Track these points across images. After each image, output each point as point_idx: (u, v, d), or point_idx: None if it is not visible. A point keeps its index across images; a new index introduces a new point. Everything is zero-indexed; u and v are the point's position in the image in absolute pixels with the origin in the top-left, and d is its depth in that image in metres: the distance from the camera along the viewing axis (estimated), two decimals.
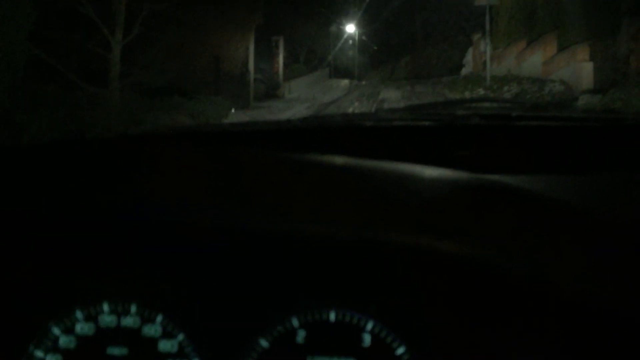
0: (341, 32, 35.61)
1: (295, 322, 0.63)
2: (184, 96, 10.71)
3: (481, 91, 16.45)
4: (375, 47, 37.24)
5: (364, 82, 31.63)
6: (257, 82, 16.54)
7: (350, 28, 36.20)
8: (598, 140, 0.98)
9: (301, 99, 19.23)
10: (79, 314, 0.65)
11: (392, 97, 18.16)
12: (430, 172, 0.76)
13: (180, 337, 0.64)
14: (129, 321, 0.65)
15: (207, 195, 0.65)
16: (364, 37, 37.87)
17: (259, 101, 15.82)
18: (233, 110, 12.54)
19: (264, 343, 0.63)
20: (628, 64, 10.09)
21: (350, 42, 36.87)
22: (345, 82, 30.04)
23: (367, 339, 0.64)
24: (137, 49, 9.76)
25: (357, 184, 0.69)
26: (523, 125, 1.04)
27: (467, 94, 16.80)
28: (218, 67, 13.35)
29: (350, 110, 14.39)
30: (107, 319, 0.65)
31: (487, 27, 17.93)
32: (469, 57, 26.62)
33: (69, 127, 7.24)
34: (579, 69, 11.93)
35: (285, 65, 21.71)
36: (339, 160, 0.78)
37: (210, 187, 0.67)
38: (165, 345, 0.64)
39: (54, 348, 0.64)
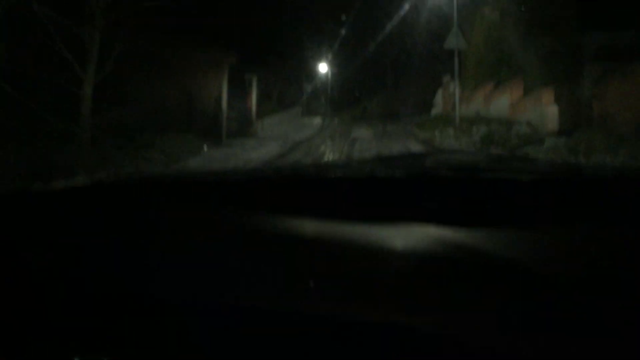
0: (314, 71, 36.11)
1: None
2: (156, 133, 10.65)
3: (451, 131, 16.75)
4: (340, 97, 37.76)
5: (336, 121, 31.93)
6: (230, 120, 16.56)
7: (323, 67, 36.75)
8: (560, 194, 1.01)
9: (274, 136, 19.30)
10: None
11: (364, 135, 18.40)
12: (399, 239, 0.80)
13: None
14: None
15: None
16: (335, 76, 38.43)
17: (231, 138, 15.82)
18: (205, 148, 12.51)
19: None
20: (591, 107, 10.45)
21: (323, 81, 37.32)
22: (317, 120, 30.30)
23: None
24: (109, 86, 9.71)
25: (326, 258, 0.71)
26: (489, 177, 1.08)
27: (437, 134, 17.09)
28: (191, 104, 13.37)
29: (322, 148, 14.49)
30: None
31: (456, 69, 18.40)
32: (439, 97, 27.21)
33: (35, 164, 7.11)
34: (544, 111, 12.29)
35: (258, 103, 21.83)
36: (310, 228, 0.83)
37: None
38: None
39: None
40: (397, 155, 2.46)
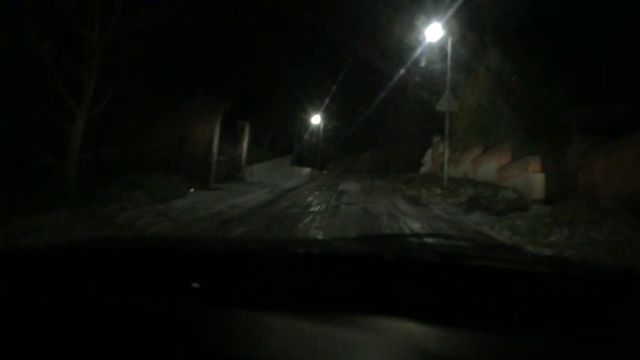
0: (306, 121, 36.55)
1: None
2: (144, 173, 10.62)
3: (438, 191, 16.89)
4: (331, 150, 38.22)
5: (325, 172, 32.15)
6: (219, 164, 16.60)
7: (316, 119, 37.23)
8: (545, 290, 1.02)
9: (262, 183, 19.33)
10: None
11: (352, 189, 18.46)
12: (380, 341, 0.79)
13: None
14: None
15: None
16: (327, 129, 38.88)
17: (220, 182, 15.82)
18: (192, 190, 12.46)
19: None
20: (577, 178, 10.61)
21: (315, 131, 37.73)
22: (306, 170, 30.47)
23: None
24: (101, 125, 9.73)
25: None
26: (475, 267, 1.07)
27: (424, 192, 17.21)
28: (181, 147, 13.43)
29: (309, 198, 14.47)
30: None
31: (447, 131, 18.73)
32: (427, 157, 27.61)
33: (17, 198, 7.02)
34: (530, 179, 12.46)
35: (249, 149, 21.97)
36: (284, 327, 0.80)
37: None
38: None
39: None
40: (383, 235, 2.46)
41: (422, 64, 20.57)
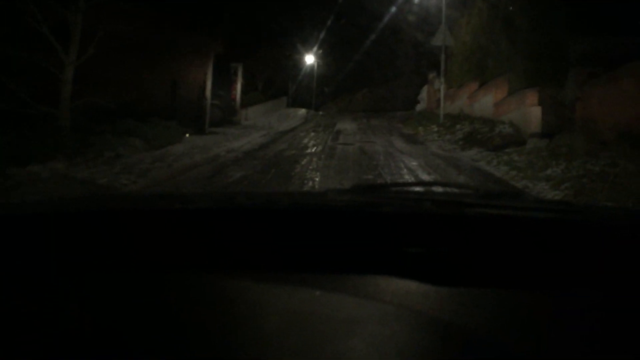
0: (300, 62, 35.97)
1: None
2: (138, 120, 10.51)
3: (435, 128, 16.85)
4: (326, 89, 37.76)
5: (320, 113, 31.89)
6: (214, 108, 16.44)
7: (310, 59, 36.63)
8: (546, 236, 0.99)
9: (257, 126, 19.22)
10: None
11: (348, 128, 18.39)
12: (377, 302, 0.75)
13: None
14: None
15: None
16: (321, 68, 38.35)
17: (215, 127, 15.71)
18: (187, 135, 12.39)
19: None
20: (574, 111, 10.53)
21: (309, 72, 37.21)
22: (302, 111, 30.22)
23: None
24: (91, 70, 9.54)
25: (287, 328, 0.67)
26: (475, 215, 1.03)
27: (420, 130, 17.17)
28: (175, 91, 13.21)
29: (305, 140, 14.43)
30: None
31: (442, 66, 18.47)
32: (423, 94, 27.32)
33: (13, 148, 6.97)
34: (527, 112, 12.36)
35: (243, 92, 21.71)
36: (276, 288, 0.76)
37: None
38: None
39: None
40: (379, 185, 2.36)
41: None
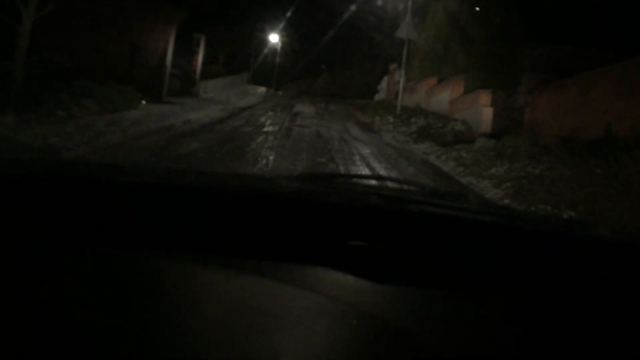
0: (264, 40, 35.67)
1: None
2: (94, 81, 10.31)
3: (391, 119, 17.12)
4: (298, 57, 37.55)
5: (280, 93, 31.84)
6: (173, 78, 16.21)
7: (274, 38, 36.36)
8: (487, 238, 1.01)
9: (216, 100, 19.06)
10: None
11: (306, 111, 18.50)
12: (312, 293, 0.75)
13: None
14: None
15: None
16: (285, 48, 38.15)
17: (173, 96, 15.51)
18: (144, 102, 12.23)
19: None
20: (523, 115, 11.00)
21: (272, 51, 36.95)
22: (262, 89, 30.07)
23: None
24: (49, 27, 9.29)
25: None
26: (418, 212, 1.06)
27: (377, 119, 17.42)
28: (134, 56, 12.98)
29: (263, 119, 14.45)
30: None
31: (404, 59, 18.74)
32: (383, 84, 27.63)
33: None
34: (480, 112, 12.78)
35: (204, 64, 21.42)
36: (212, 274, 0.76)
37: None
38: None
39: None
40: (328, 174, 2.32)
41: None
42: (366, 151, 10.04)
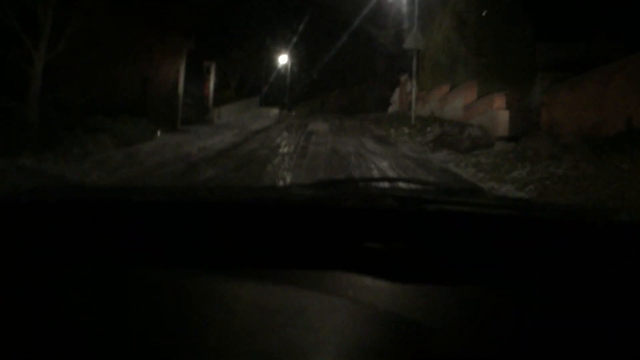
0: (274, 61, 35.91)
1: None
2: (108, 116, 10.41)
3: (406, 129, 17.01)
4: (303, 77, 37.69)
5: (293, 113, 31.86)
6: (186, 106, 16.35)
7: (283, 59, 36.59)
8: (506, 233, 0.99)
9: (230, 125, 19.14)
10: None
11: (320, 129, 18.43)
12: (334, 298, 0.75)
13: None
14: None
15: None
16: (295, 68, 38.35)
17: (187, 125, 15.63)
18: (159, 133, 12.32)
19: None
20: (540, 115, 10.82)
21: (282, 72, 37.16)
22: (275, 111, 30.17)
23: None
24: (61, 66, 9.42)
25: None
26: (433, 210, 1.04)
27: (392, 131, 17.32)
28: (146, 88, 13.12)
29: (278, 140, 14.44)
30: None
31: (414, 69, 18.67)
32: (395, 96, 27.54)
33: None
34: (495, 116, 12.62)
35: (216, 90, 21.59)
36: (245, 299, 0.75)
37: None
38: None
39: None
40: (341, 180, 2.29)
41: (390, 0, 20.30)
42: (384, 164, 9.93)
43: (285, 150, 11.99)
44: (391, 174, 8.79)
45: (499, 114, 12.59)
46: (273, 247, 0.90)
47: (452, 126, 14.85)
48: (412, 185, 1.77)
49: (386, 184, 1.79)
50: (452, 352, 0.65)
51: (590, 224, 1.11)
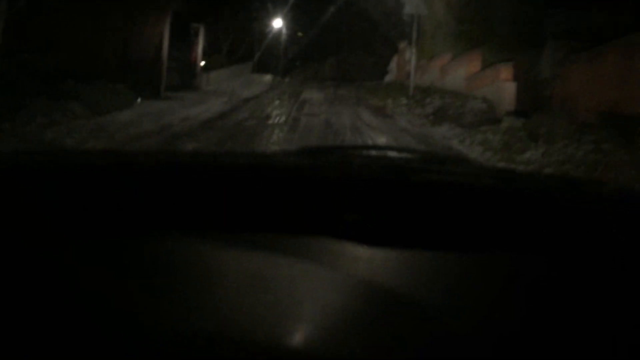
0: (268, 26, 34.69)
1: None
2: (82, 82, 9.44)
3: (404, 101, 16.20)
4: (300, 34, 36.70)
5: (287, 80, 30.96)
6: (171, 72, 15.36)
7: (277, 23, 35.37)
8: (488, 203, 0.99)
9: (219, 92, 18.26)
10: None
11: (314, 98, 17.56)
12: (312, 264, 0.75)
13: None
14: None
15: None
16: (289, 34, 37.29)
17: (172, 91, 14.66)
18: (139, 100, 11.41)
19: None
20: (552, 88, 9.96)
21: (277, 37, 36.00)
22: (268, 77, 29.23)
23: None
24: (27, 25, 8.45)
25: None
26: (418, 181, 1.05)
27: (389, 102, 16.51)
28: (126, 52, 12.03)
29: (269, 109, 13.65)
30: None
31: (414, 37, 17.74)
32: (393, 64, 26.60)
33: None
34: (501, 88, 11.82)
35: (206, 55, 20.59)
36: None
37: None
38: None
39: None
40: (327, 147, 2.15)
41: None
42: (381, 140, 9.20)
43: (276, 121, 11.22)
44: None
45: (505, 86, 11.77)
46: (253, 214, 0.91)
47: (454, 98, 14.01)
48: (400, 154, 1.72)
49: (374, 152, 1.64)
50: (430, 321, 0.64)
51: (574, 195, 1.10)
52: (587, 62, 8.83)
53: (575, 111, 8.54)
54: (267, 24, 34.55)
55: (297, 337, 0.58)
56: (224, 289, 0.66)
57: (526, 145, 7.55)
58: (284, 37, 36.80)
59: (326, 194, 0.96)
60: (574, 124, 7.78)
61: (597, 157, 6.20)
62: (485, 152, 7.96)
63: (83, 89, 9.22)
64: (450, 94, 14.64)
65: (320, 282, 0.70)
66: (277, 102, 15.96)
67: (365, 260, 0.79)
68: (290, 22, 36.41)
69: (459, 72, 15.23)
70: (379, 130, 10.37)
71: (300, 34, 36.69)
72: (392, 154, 1.66)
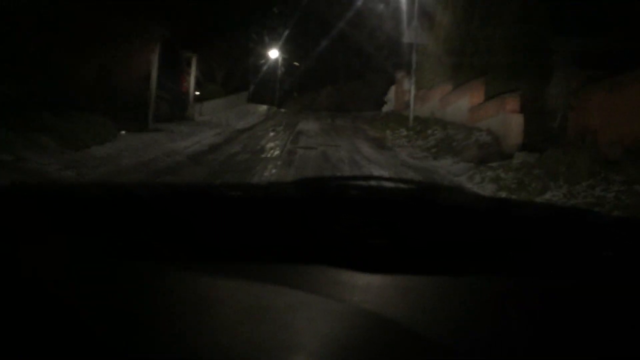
0: (264, 56, 34.32)
1: None
2: (57, 114, 8.68)
3: (404, 132, 15.58)
4: (297, 64, 36.32)
5: (283, 110, 30.44)
6: (161, 102, 14.66)
7: (274, 53, 35.03)
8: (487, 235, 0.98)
9: (212, 123, 17.60)
10: None
11: (311, 129, 16.92)
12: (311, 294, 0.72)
13: None
14: None
15: None
16: (285, 64, 36.94)
17: (162, 123, 13.92)
18: (123, 133, 10.66)
19: None
20: (566, 120, 9.26)
21: (272, 67, 35.62)
22: (263, 108, 28.68)
23: None
24: None
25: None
26: (411, 207, 1.07)
27: (388, 133, 15.87)
28: (107, 80, 11.28)
29: (263, 141, 12.96)
30: None
31: (414, 65, 17.19)
32: (391, 94, 26.08)
33: None
34: (508, 120, 11.15)
35: (199, 85, 19.98)
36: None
37: None
38: None
39: None
40: (322, 178, 1.91)
41: None
42: (381, 174, 8.44)
43: (270, 154, 10.51)
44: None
45: (511, 117, 11.11)
46: (241, 242, 0.90)
47: (456, 129, 13.33)
48: (396, 184, 1.52)
49: (373, 182, 1.40)
50: (429, 348, 0.63)
51: (568, 220, 1.11)
52: (607, 92, 8.14)
53: (595, 145, 7.81)
54: (263, 55, 34.21)
55: None
56: (222, 318, 0.65)
57: (545, 185, 6.79)
58: (280, 67, 36.44)
59: (322, 223, 0.97)
60: (596, 161, 7.03)
61: (632, 200, 5.43)
62: (498, 192, 7.19)
63: (58, 121, 8.46)
64: (452, 125, 13.98)
65: (317, 311, 0.69)
66: (272, 133, 15.30)
67: (362, 287, 0.78)
68: (286, 52, 36.11)
69: (461, 102, 14.57)
70: (377, 164, 9.65)
71: (296, 63, 36.30)
72: (388, 184, 1.63)
